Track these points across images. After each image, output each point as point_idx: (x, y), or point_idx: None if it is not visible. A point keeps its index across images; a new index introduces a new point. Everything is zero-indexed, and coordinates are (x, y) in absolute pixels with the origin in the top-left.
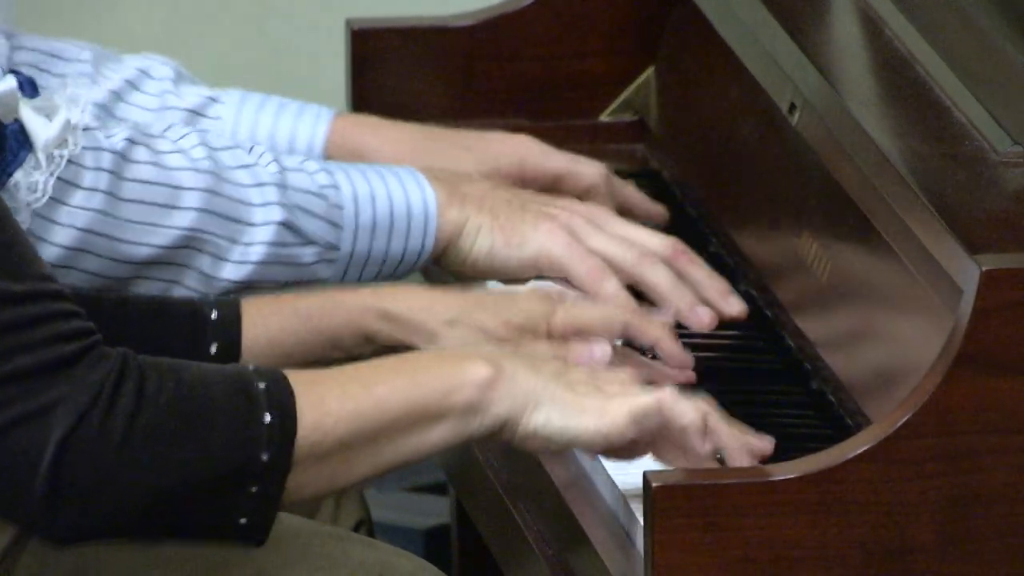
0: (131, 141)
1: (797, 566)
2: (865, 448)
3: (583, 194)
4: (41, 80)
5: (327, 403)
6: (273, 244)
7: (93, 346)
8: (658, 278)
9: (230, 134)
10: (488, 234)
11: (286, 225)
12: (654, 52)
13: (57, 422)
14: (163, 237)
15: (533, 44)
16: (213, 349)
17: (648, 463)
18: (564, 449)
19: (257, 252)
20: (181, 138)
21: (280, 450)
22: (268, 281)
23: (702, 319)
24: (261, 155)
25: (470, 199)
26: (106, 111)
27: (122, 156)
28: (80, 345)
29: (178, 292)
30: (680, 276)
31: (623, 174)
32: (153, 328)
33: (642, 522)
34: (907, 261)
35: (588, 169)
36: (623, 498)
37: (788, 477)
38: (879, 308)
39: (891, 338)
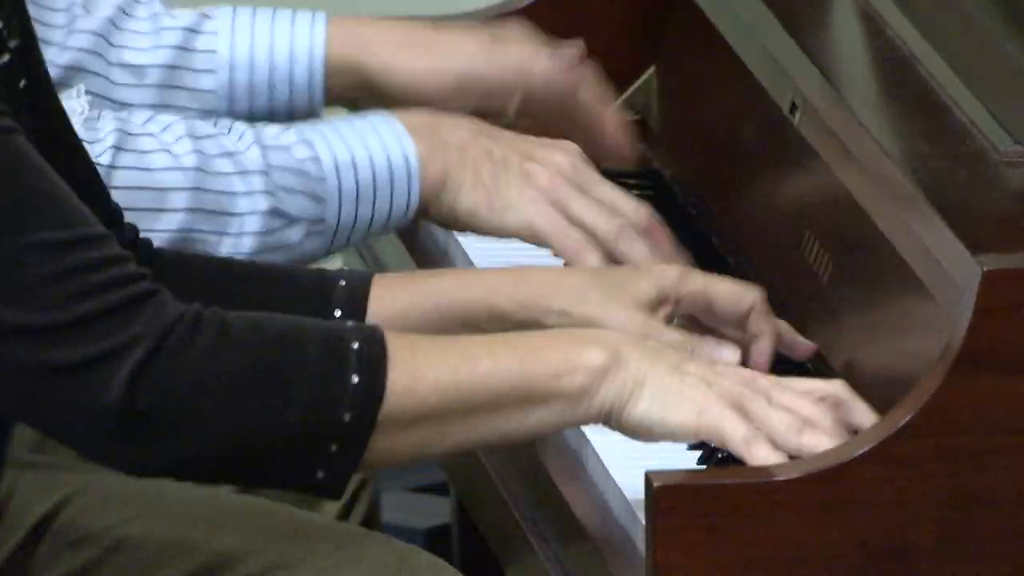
0: (117, 148)
1: (798, 566)
2: (866, 448)
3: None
4: (40, 16)
5: (422, 370)
6: (262, 232)
7: (153, 291)
8: (635, 254)
9: (227, 50)
10: (471, 193)
11: (272, 211)
12: (655, 52)
13: (127, 361)
14: (153, 241)
15: None
16: (337, 315)
17: (648, 463)
18: (662, 439)
19: (247, 243)
20: (165, 130)
21: (364, 412)
22: None
23: None
24: (242, 136)
25: (451, 149)
26: (103, 40)
27: (109, 168)
28: (138, 289)
29: None
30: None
31: (624, 174)
32: (279, 292)
33: (643, 522)
34: (908, 261)
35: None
36: (625, 498)
37: (789, 477)
38: (880, 308)
39: (892, 338)
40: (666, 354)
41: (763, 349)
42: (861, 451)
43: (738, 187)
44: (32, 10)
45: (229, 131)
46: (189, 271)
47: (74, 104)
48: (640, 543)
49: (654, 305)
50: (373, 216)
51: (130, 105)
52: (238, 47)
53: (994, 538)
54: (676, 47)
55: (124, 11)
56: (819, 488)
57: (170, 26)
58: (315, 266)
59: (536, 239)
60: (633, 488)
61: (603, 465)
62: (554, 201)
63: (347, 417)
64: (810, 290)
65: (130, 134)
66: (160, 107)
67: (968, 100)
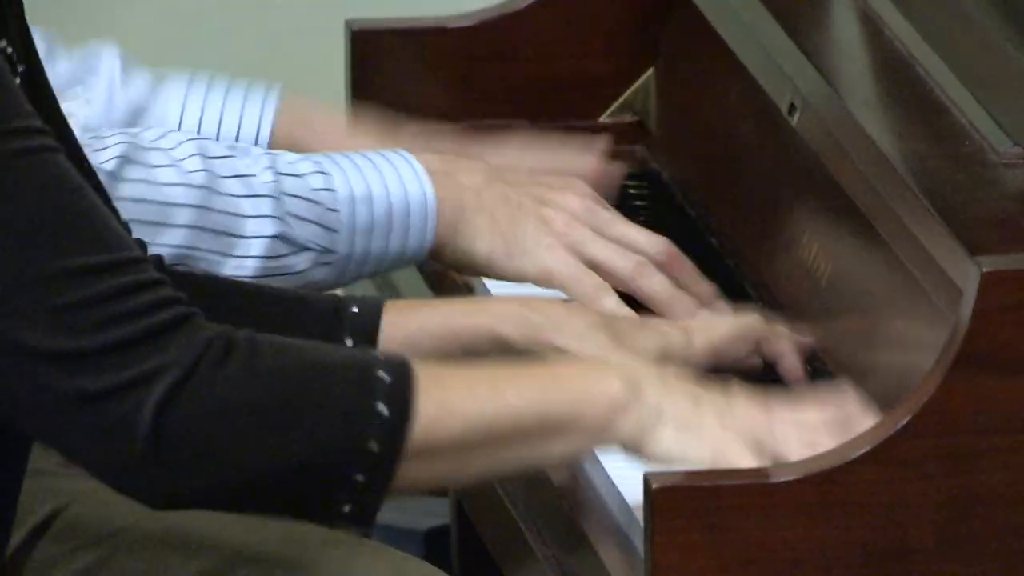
0: (123, 159)
1: (797, 567)
2: (865, 449)
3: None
4: None
5: (450, 400)
6: (266, 257)
7: (188, 315)
8: (655, 289)
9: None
10: (487, 239)
11: (279, 237)
12: (654, 53)
13: (157, 389)
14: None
15: (533, 45)
16: (348, 342)
17: (649, 464)
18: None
19: (250, 265)
20: (176, 147)
21: (392, 442)
22: None
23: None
24: (256, 160)
25: (467, 192)
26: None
27: (112, 175)
28: (173, 313)
29: None
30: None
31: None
32: (290, 315)
33: (642, 523)
34: (907, 262)
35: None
36: (623, 499)
37: (788, 479)
38: (879, 309)
39: (891, 339)
40: (683, 386)
41: (790, 366)
42: (860, 452)
43: (737, 188)
44: None
45: (245, 154)
46: (199, 289)
47: (73, 107)
48: (639, 544)
49: (657, 361)
50: (387, 252)
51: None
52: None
53: (994, 538)
54: (675, 48)
55: (77, 81)
56: (818, 489)
57: (119, 104)
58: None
59: (552, 284)
60: (632, 489)
61: (602, 466)
62: (570, 245)
63: (375, 447)
64: (809, 291)
65: (140, 147)
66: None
67: (967, 101)
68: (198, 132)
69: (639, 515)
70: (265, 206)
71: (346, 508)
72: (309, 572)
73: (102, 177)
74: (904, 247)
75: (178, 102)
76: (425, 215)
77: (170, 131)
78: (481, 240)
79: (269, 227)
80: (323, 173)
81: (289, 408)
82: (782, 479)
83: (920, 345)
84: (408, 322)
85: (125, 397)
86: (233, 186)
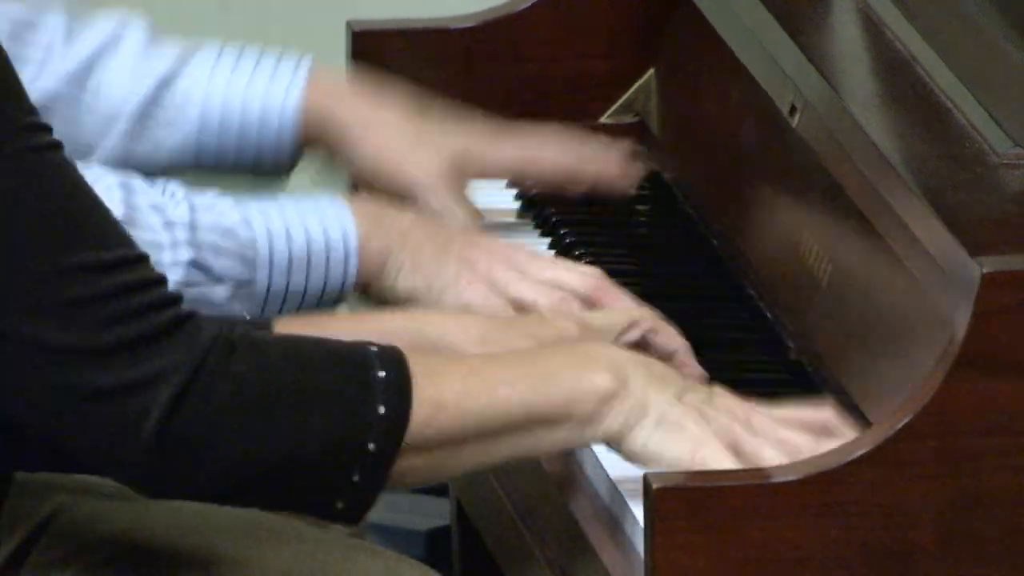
0: None
1: (797, 568)
2: (865, 450)
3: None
4: (16, 50)
5: (444, 397)
6: (184, 284)
7: (190, 314)
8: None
9: (199, 103)
10: (410, 276)
11: (195, 265)
12: (655, 54)
13: (167, 387)
14: None
15: (534, 46)
16: None
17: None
18: (658, 467)
19: None
20: (96, 181)
21: (388, 441)
22: None
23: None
24: (173, 195)
25: (393, 232)
26: (78, 80)
27: None
28: (175, 312)
29: None
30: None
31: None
32: None
33: (642, 524)
34: (908, 263)
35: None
36: (623, 499)
37: (788, 479)
38: (880, 310)
39: (892, 340)
40: (668, 382)
41: (682, 361)
42: (860, 453)
43: (738, 189)
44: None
45: (163, 191)
46: None
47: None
48: (639, 545)
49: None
50: (307, 287)
51: (97, 148)
52: (211, 99)
53: (994, 539)
54: (676, 49)
55: (104, 51)
56: (818, 490)
57: (146, 73)
58: None
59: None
60: (632, 490)
61: (602, 467)
62: (491, 283)
63: (372, 446)
64: (810, 292)
65: None
66: (127, 154)
67: (968, 102)
68: (222, 104)
69: (639, 515)
70: (180, 235)
71: (340, 504)
72: (304, 573)
73: None
74: (904, 247)
75: (204, 73)
76: (345, 252)
77: (93, 166)
78: (404, 278)
79: (184, 254)
80: (241, 209)
81: (292, 407)
82: (783, 479)
83: (920, 345)
84: None
85: (136, 395)
86: (151, 218)
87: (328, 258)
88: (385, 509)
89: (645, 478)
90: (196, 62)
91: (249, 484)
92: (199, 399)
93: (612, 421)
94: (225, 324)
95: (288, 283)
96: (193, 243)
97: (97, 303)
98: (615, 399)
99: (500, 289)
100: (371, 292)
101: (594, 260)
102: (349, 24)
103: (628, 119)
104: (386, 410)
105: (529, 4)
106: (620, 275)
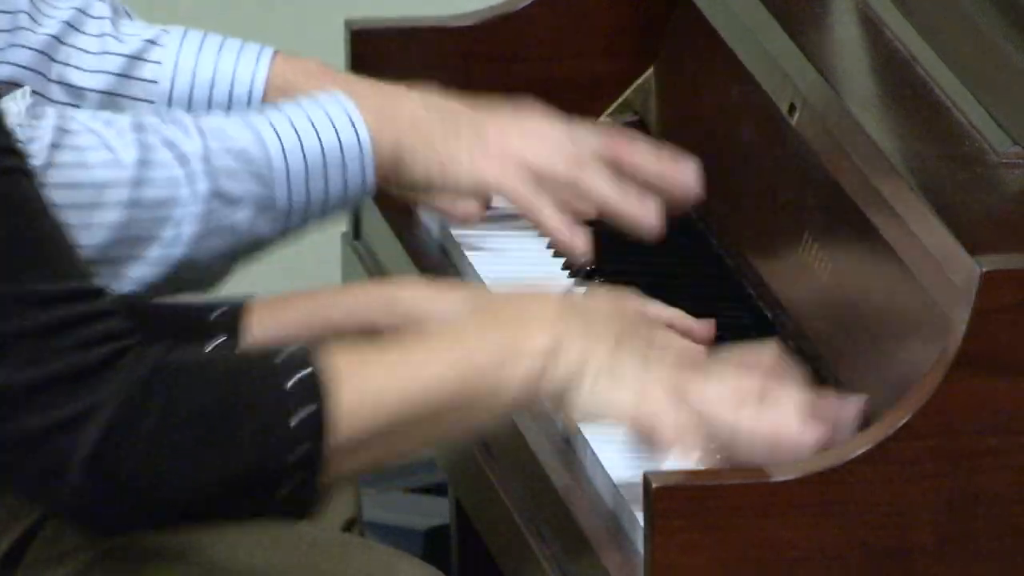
0: (53, 146)
1: (797, 567)
2: (865, 449)
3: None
4: None
5: (370, 389)
6: (204, 215)
7: (125, 349)
8: (598, 184)
9: (168, 81)
10: (423, 161)
11: (214, 194)
12: (654, 53)
13: (90, 429)
14: (94, 236)
15: (533, 45)
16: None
17: (647, 463)
18: (601, 420)
19: (188, 228)
20: (108, 126)
21: (311, 448)
22: (210, 252)
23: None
24: (184, 127)
25: (402, 121)
26: (46, 57)
27: (45, 167)
28: (112, 348)
29: (124, 278)
30: (624, 170)
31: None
32: (158, 328)
33: (642, 523)
34: (907, 262)
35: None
36: (623, 499)
37: (788, 478)
38: (879, 309)
39: (891, 339)
40: (605, 335)
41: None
42: (860, 452)
43: (737, 188)
44: None
45: (173, 122)
46: None
47: (12, 106)
48: (639, 544)
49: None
50: (328, 195)
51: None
52: (179, 78)
53: (994, 538)
54: (675, 48)
55: (72, 26)
56: (818, 489)
57: (115, 51)
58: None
59: (487, 191)
60: (632, 489)
61: (601, 466)
62: (504, 155)
63: (291, 458)
64: (809, 291)
65: (68, 131)
66: None
67: (967, 101)
68: (192, 79)
69: (639, 515)
70: (196, 166)
71: (281, 510)
72: (302, 570)
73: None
74: (904, 247)
75: (172, 52)
76: (361, 155)
77: (102, 113)
78: (417, 164)
79: (203, 185)
80: (251, 126)
81: (209, 435)
82: (782, 479)
83: (920, 345)
84: (278, 317)
85: (62, 435)
86: (164, 154)
87: (344, 162)
88: (384, 509)
89: (645, 477)
90: (164, 40)
91: (184, 511)
92: (123, 436)
93: (553, 376)
94: (159, 355)
95: (308, 194)
96: (209, 172)
97: (36, 336)
98: (553, 354)
99: (513, 154)
100: (390, 187)
101: (593, 261)
102: (348, 24)
103: (628, 118)
104: (301, 419)
105: (529, 4)
106: (620, 274)
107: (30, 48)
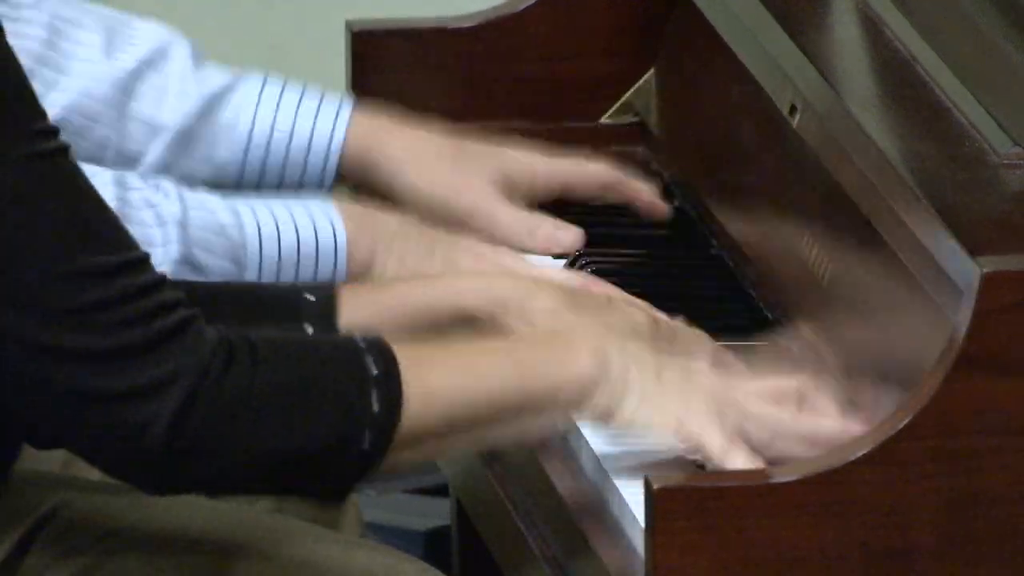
0: None
1: (798, 568)
2: (866, 450)
3: (596, 193)
4: (59, 41)
5: (434, 390)
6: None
7: (193, 317)
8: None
9: (248, 126)
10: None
11: (184, 261)
12: (655, 54)
13: (173, 393)
14: None
15: (533, 46)
16: (309, 330)
17: (648, 464)
18: (648, 434)
19: None
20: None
21: (381, 436)
22: None
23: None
24: (167, 193)
25: (380, 234)
26: (124, 91)
27: None
28: (182, 315)
29: None
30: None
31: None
32: (249, 312)
33: (642, 523)
34: (908, 263)
35: (597, 168)
36: (624, 500)
37: (789, 479)
38: (880, 310)
39: (892, 340)
40: (645, 356)
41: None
42: (860, 453)
43: (737, 189)
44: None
45: (157, 188)
46: None
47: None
48: (640, 545)
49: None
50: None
51: (143, 157)
52: (259, 125)
53: (994, 539)
54: (676, 49)
55: (150, 65)
56: (819, 490)
57: (194, 92)
58: None
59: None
60: (633, 490)
61: (602, 467)
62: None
63: (366, 444)
64: (809, 291)
65: None
66: (169, 167)
67: (968, 102)
68: (271, 129)
69: (639, 515)
70: (172, 233)
71: (331, 491)
72: (304, 570)
73: None
74: (904, 247)
75: (253, 98)
76: (334, 251)
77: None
78: (389, 275)
79: (175, 251)
80: (232, 209)
81: (291, 407)
82: (782, 479)
83: (920, 345)
84: (369, 303)
85: (144, 400)
86: (145, 216)
87: (317, 260)
88: (385, 509)
89: (646, 478)
90: (243, 86)
91: (251, 480)
92: (205, 403)
93: (596, 403)
94: (222, 327)
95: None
96: (184, 240)
97: (106, 307)
98: (598, 382)
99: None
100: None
101: (594, 261)
102: (348, 24)
103: (628, 119)
104: (379, 407)
105: (529, 4)
106: (619, 275)
107: (105, 81)
